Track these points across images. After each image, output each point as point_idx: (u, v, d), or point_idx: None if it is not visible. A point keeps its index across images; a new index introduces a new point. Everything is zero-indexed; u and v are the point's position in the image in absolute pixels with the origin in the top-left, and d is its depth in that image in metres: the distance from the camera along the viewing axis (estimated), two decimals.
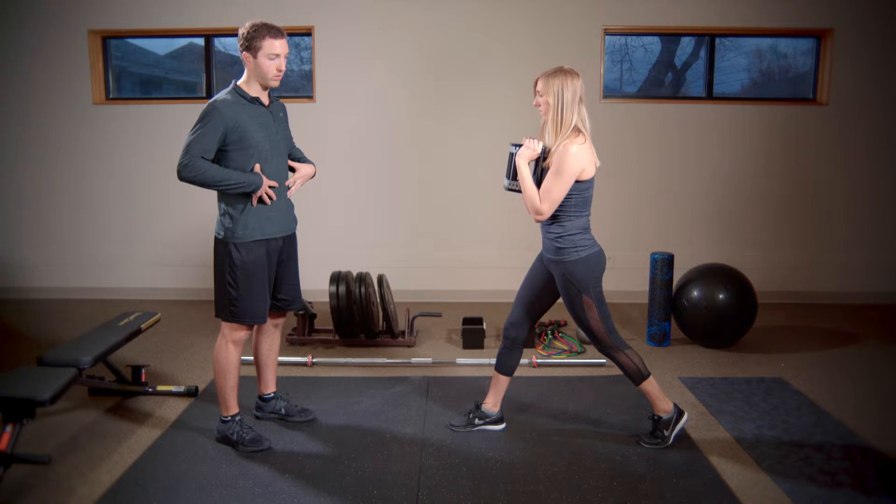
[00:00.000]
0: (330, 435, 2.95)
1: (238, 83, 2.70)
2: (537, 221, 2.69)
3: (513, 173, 2.71)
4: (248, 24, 2.63)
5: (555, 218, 2.69)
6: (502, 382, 2.98)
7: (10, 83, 5.34)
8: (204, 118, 2.58)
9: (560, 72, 2.63)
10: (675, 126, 5.29)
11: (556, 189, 2.59)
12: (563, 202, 2.64)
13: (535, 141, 2.66)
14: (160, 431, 2.98)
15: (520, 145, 2.68)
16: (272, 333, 3.01)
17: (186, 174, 2.57)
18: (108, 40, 5.45)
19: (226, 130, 2.59)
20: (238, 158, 2.65)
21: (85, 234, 5.49)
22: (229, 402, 2.83)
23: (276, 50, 2.62)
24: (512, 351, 2.92)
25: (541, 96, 2.65)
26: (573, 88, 2.61)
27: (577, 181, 2.61)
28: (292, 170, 2.89)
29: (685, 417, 2.89)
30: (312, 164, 2.97)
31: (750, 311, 4.05)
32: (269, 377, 3.07)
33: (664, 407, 2.86)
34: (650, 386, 2.84)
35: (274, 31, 2.62)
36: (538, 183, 2.67)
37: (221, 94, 2.67)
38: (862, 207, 5.33)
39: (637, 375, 2.82)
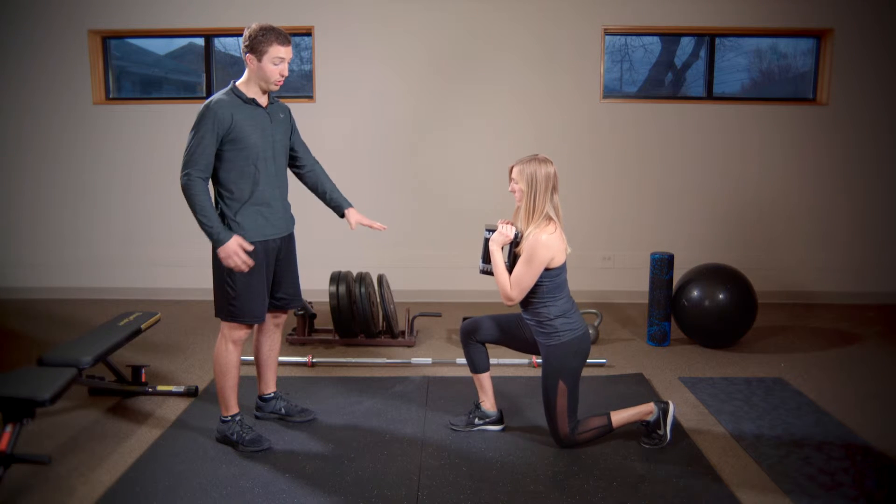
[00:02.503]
0: (330, 435, 2.95)
1: (237, 84, 2.70)
2: (508, 306, 2.73)
3: (486, 257, 2.77)
4: (254, 26, 2.62)
5: (531, 305, 2.73)
6: (485, 381, 2.97)
7: (10, 83, 5.34)
8: (200, 121, 2.58)
9: (534, 160, 2.67)
10: (675, 126, 5.29)
11: (525, 277, 2.64)
12: (535, 289, 2.69)
13: (509, 226, 2.71)
14: (160, 431, 2.98)
15: (494, 230, 2.73)
16: (273, 333, 3.01)
17: (183, 189, 2.58)
18: (108, 40, 5.45)
19: (222, 130, 2.59)
20: (233, 159, 2.64)
21: (85, 234, 5.49)
22: (229, 402, 2.82)
23: (281, 55, 2.62)
24: (473, 347, 2.91)
25: (515, 183, 2.70)
26: (545, 175, 2.65)
27: (546, 269, 2.65)
28: (321, 193, 2.98)
29: (671, 408, 2.86)
30: (349, 203, 3.01)
31: (750, 311, 4.05)
32: (269, 377, 3.07)
33: (646, 411, 2.85)
34: (621, 417, 2.84)
35: (281, 38, 2.62)
36: (511, 267, 2.71)
37: (218, 95, 2.66)
38: (862, 207, 5.33)
39: (606, 429, 2.81)
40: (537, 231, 2.63)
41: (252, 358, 3.14)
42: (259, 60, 2.62)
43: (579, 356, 2.74)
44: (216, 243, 2.61)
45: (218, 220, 2.61)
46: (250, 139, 2.64)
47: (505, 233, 2.69)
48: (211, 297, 2.83)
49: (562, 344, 2.70)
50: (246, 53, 2.64)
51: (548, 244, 2.61)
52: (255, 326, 2.96)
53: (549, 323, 2.71)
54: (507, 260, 2.73)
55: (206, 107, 2.59)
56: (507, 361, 3.84)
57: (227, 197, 2.69)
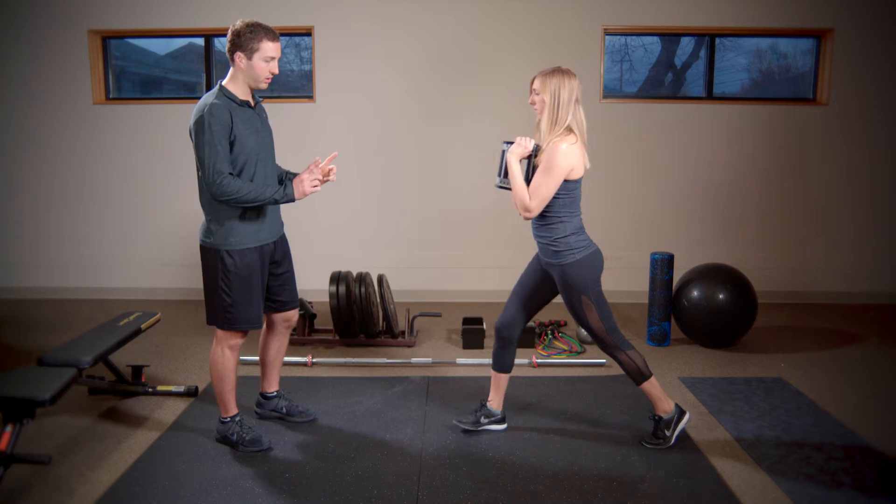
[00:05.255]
0: (330, 435, 2.95)
1: (224, 84, 2.61)
2: (526, 219, 2.68)
3: (504, 171, 2.72)
4: (241, 24, 2.54)
5: (546, 220, 2.69)
6: (503, 381, 2.98)
7: (10, 83, 5.34)
8: (206, 128, 2.49)
9: (558, 71, 2.64)
10: (675, 126, 5.29)
11: (544, 186, 2.59)
12: (551, 203, 2.65)
13: (528, 139, 2.67)
14: (160, 431, 2.98)
15: (512, 143, 2.69)
16: (283, 335, 3.01)
17: (222, 196, 2.51)
18: (108, 40, 5.45)
19: (227, 132, 2.52)
20: (232, 162, 2.58)
21: (85, 234, 5.49)
22: (228, 405, 2.82)
23: (272, 53, 2.56)
24: (506, 349, 2.92)
25: (537, 94, 2.65)
26: (570, 88, 2.61)
27: (565, 180, 2.61)
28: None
29: (686, 417, 2.89)
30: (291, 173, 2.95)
31: (750, 311, 4.05)
32: (273, 376, 3.08)
33: (665, 407, 2.86)
34: (651, 386, 2.84)
35: (271, 34, 2.56)
36: (528, 181, 2.66)
37: (209, 98, 2.55)
38: (862, 207, 5.33)
39: (638, 376, 2.82)
40: (558, 140, 2.60)
41: (254, 358, 3.13)
42: (249, 59, 2.54)
43: (596, 269, 2.73)
44: (290, 198, 2.61)
45: (271, 189, 2.58)
46: (248, 142, 2.59)
47: (524, 144, 2.65)
48: None
49: (577, 261, 2.67)
50: (234, 52, 2.55)
51: (568, 153, 2.57)
52: (264, 327, 2.97)
53: (563, 240, 2.67)
54: (525, 173, 2.65)
55: (209, 113, 2.49)
56: None
57: (216, 204, 2.62)
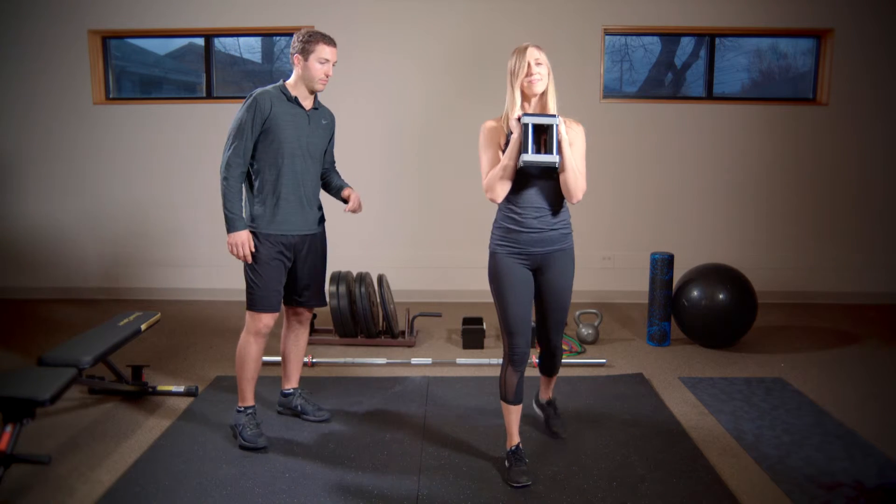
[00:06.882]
0: (330, 435, 2.96)
1: (285, 82, 2.85)
2: (573, 203, 2.46)
3: (540, 146, 2.34)
4: (303, 31, 2.79)
5: (561, 209, 2.54)
6: (519, 413, 2.66)
7: (10, 83, 5.34)
8: (244, 108, 2.73)
9: (539, 45, 2.47)
10: (675, 126, 5.29)
11: (584, 167, 2.49)
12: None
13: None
14: (160, 431, 2.98)
15: (533, 115, 2.33)
16: (296, 329, 3.09)
17: (222, 172, 2.71)
18: (108, 40, 5.45)
19: (261, 120, 2.72)
20: (263, 150, 2.76)
21: (85, 233, 5.49)
22: (245, 393, 2.88)
23: (326, 55, 2.79)
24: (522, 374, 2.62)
25: (539, 66, 2.42)
26: None
27: None
28: (339, 197, 3.11)
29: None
30: (350, 187, 3.13)
31: (750, 311, 4.05)
32: (291, 372, 3.13)
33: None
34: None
35: (327, 39, 2.80)
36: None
37: (266, 87, 2.82)
38: (862, 207, 5.33)
39: (557, 368, 2.86)
40: (572, 119, 2.52)
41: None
42: (305, 60, 2.77)
43: None
44: (230, 228, 2.72)
45: (240, 209, 2.73)
46: (283, 134, 2.75)
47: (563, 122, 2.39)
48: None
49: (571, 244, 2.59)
50: (294, 55, 2.80)
51: None
52: (284, 324, 3.08)
53: (569, 222, 2.57)
54: (551, 150, 2.33)
55: (251, 96, 2.74)
56: None
57: (251, 185, 2.81)
